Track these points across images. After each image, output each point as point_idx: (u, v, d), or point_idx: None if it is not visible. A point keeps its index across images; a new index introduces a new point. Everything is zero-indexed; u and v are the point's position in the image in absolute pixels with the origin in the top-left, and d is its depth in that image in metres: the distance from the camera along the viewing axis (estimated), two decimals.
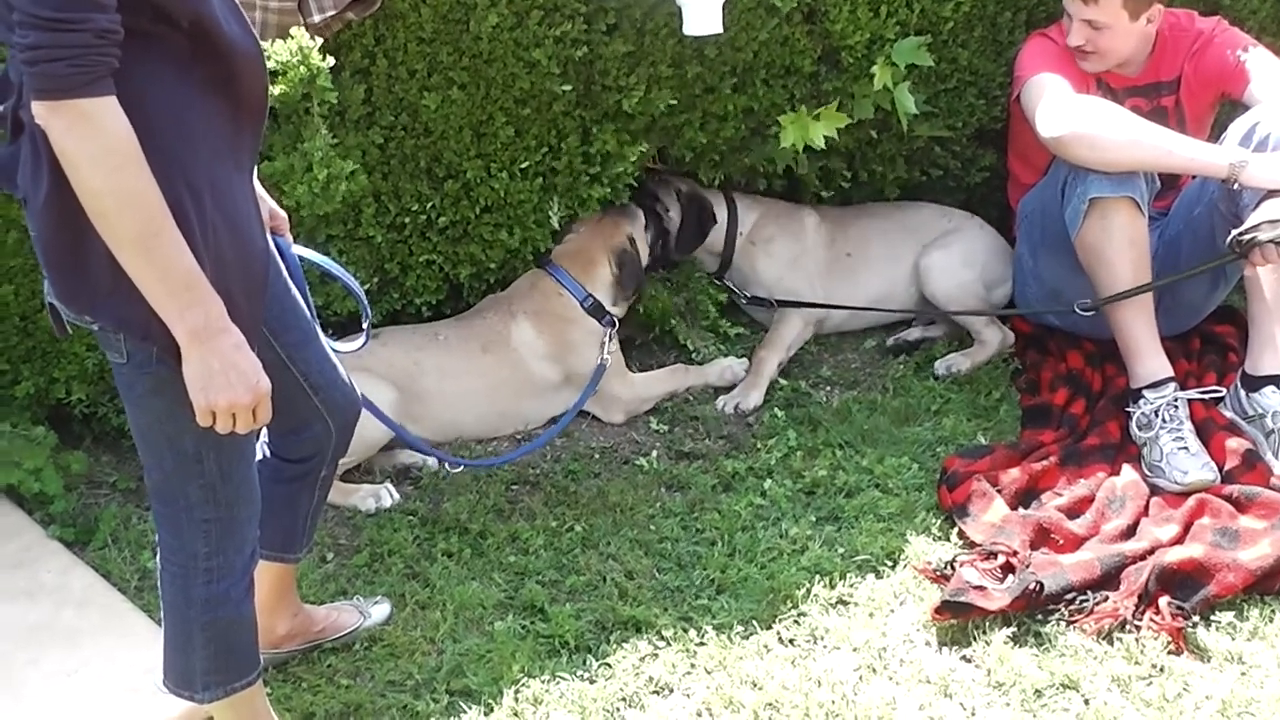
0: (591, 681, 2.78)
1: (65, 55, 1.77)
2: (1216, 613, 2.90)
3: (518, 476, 3.52)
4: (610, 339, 3.74)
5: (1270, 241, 3.23)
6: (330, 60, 3.18)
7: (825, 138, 3.82)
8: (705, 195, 4.10)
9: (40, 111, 1.82)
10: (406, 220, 3.60)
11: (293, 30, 3.14)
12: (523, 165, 3.64)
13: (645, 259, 3.94)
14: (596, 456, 3.62)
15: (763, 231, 4.15)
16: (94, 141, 1.82)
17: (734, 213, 4.15)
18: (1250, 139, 3.49)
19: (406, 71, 3.43)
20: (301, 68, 3.12)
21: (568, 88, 3.57)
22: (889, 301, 4.14)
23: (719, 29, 3.54)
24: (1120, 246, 3.49)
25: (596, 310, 3.75)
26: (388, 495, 3.41)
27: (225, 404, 1.98)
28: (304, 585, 3.07)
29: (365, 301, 2.66)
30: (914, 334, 4.11)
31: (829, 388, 3.93)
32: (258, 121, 2.12)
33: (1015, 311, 4.03)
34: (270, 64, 3.11)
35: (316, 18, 3.21)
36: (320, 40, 3.17)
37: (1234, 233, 3.30)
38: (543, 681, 2.77)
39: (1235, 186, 3.39)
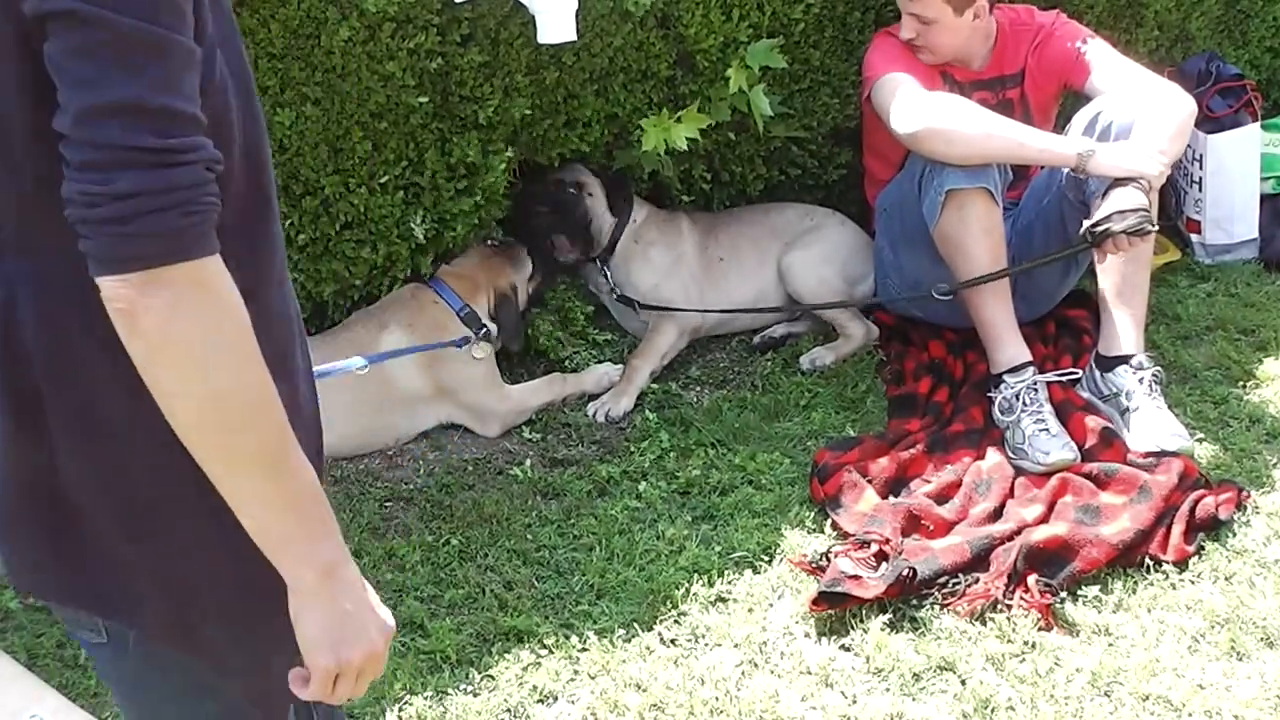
0: (475, 695, 2.76)
1: (176, 202, 1.23)
2: (1082, 587, 2.98)
3: (391, 493, 3.48)
4: (477, 343, 3.70)
5: (1122, 231, 3.34)
6: None
7: (687, 139, 3.85)
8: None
9: (123, 293, 1.23)
10: None
11: None
12: (382, 180, 3.60)
13: (523, 304, 3.93)
14: (470, 468, 3.59)
15: (647, 234, 4.16)
16: (213, 320, 1.26)
17: (631, 203, 4.17)
18: (1093, 128, 3.61)
19: (258, 88, 3.37)
20: None
21: (424, 100, 3.54)
22: (761, 304, 4.18)
23: (573, 36, 3.55)
24: (977, 236, 3.58)
25: (471, 320, 3.73)
26: None
27: (361, 658, 1.41)
28: None
29: None
30: (779, 331, 4.15)
31: (699, 388, 3.96)
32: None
33: (877, 302, 4.10)
34: None
35: None
36: None
37: (1087, 224, 3.40)
38: (425, 698, 2.75)
39: (1083, 175, 3.50)
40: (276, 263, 1.46)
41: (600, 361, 4.01)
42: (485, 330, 3.74)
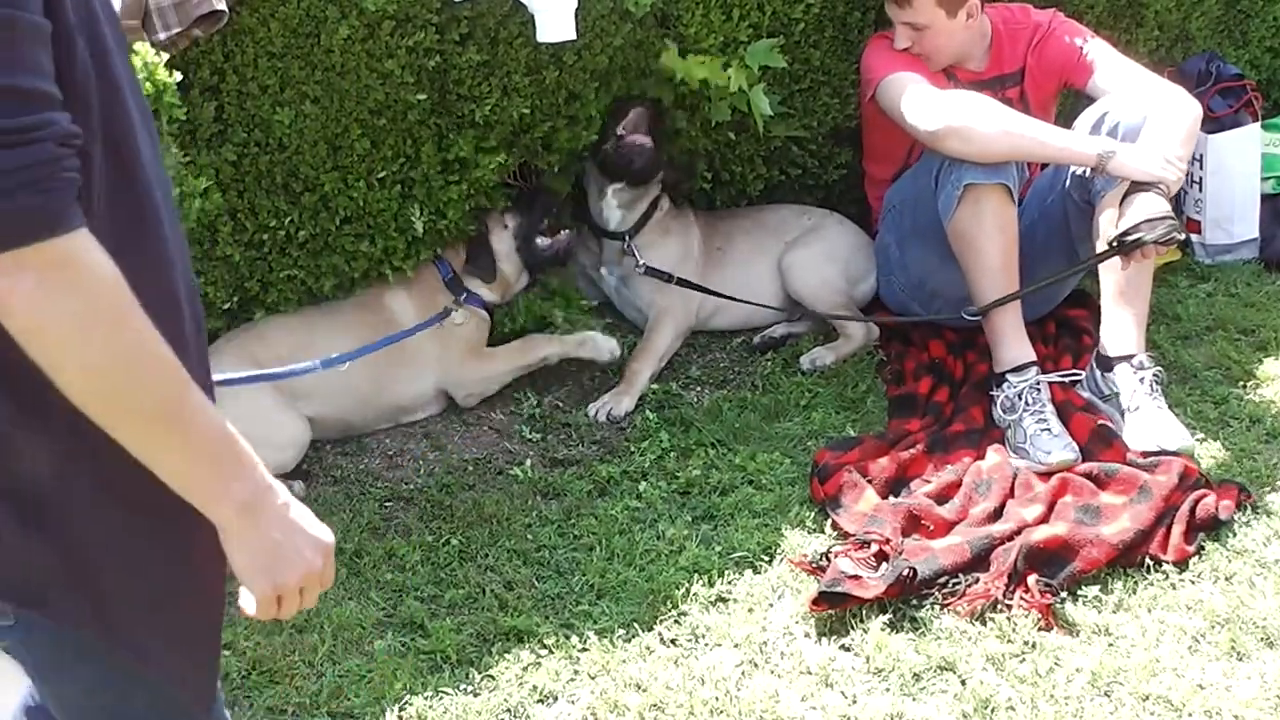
0: (475, 694, 2.76)
1: (27, 180, 1.22)
2: (1083, 587, 2.98)
3: (391, 493, 3.48)
4: (456, 306, 3.77)
5: (1153, 241, 3.33)
6: (178, 76, 3.11)
7: (685, 137, 3.85)
8: None
9: None
10: (265, 236, 3.55)
11: (136, 46, 3.07)
12: (380, 175, 3.60)
13: (508, 245, 3.92)
14: (470, 468, 3.59)
15: (666, 223, 4.16)
16: (80, 296, 1.26)
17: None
18: (1100, 128, 3.61)
19: (258, 87, 3.37)
20: (147, 83, 3.05)
21: (422, 97, 3.54)
22: (758, 294, 4.17)
23: (572, 35, 3.55)
24: (991, 233, 3.58)
25: (454, 285, 3.82)
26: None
27: (297, 580, 1.47)
28: None
29: None
30: (779, 330, 4.15)
31: (699, 388, 3.96)
32: None
33: (900, 320, 4.07)
34: None
35: (162, 35, 3.14)
36: (166, 56, 3.11)
37: (1116, 233, 3.38)
38: (425, 698, 2.74)
39: (1102, 176, 3.49)
40: (149, 257, 1.44)
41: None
42: (467, 295, 3.82)
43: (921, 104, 3.63)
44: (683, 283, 4.04)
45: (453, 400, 3.81)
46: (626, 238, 4.08)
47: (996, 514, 3.21)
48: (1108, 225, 3.48)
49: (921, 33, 3.81)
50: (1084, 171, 3.57)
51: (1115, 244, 3.40)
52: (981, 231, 3.57)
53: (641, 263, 4.03)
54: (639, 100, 3.94)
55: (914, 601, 2.95)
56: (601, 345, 3.89)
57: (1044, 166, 3.86)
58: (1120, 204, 3.43)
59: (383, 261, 3.74)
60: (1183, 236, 3.38)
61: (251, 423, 3.30)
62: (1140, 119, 3.54)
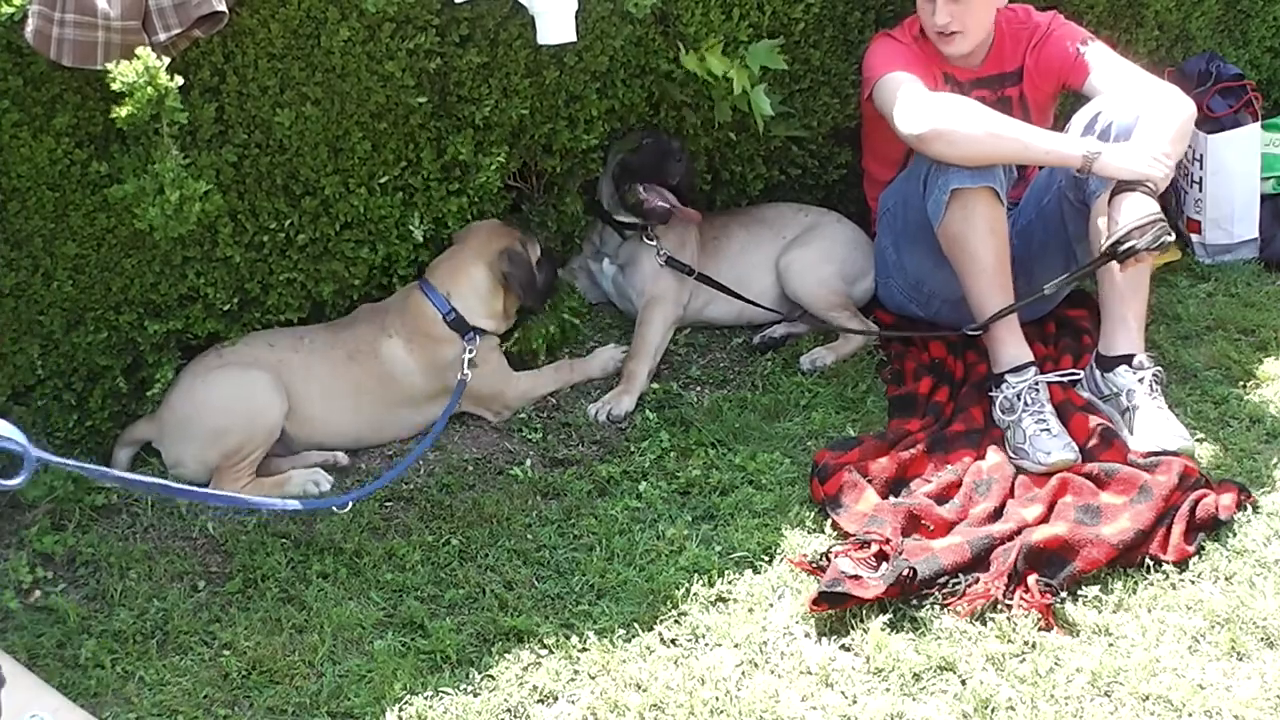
0: (475, 695, 2.76)
1: None
2: (1083, 587, 2.98)
3: (391, 493, 3.48)
4: (470, 353, 3.67)
5: (1145, 248, 3.33)
6: (179, 79, 3.11)
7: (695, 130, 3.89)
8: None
9: None
10: (265, 239, 3.55)
11: (138, 50, 3.07)
12: (381, 180, 3.61)
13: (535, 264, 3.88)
14: (470, 468, 3.59)
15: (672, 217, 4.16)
16: None
17: None
18: (1093, 128, 3.61)
19: (258, 88, 3.37)
20: (149, 88, 3.05)
21: (423, 100, 3.55)
22: (750, 286, 4.17)
23: (572, 37, 3.55)
24: (982, 235, 3.58)
25: (459, 325, 3.70)
26: (324, 478, 3.49)
27: None
28: (176, 615, 3.01)
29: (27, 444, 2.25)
30: (779, 330, 4.15)
31: (699, 388, 3.96)
32: None
33: (900, 335, 4.06)
34: (116, 85, 3.04)
35: (162, 36, 3.14)
36: (167, 60, 3.11)
37: (1110, 240, 3.38)
38: (425, 698, 2.75)
39: (1088, 176, 3.49)
40: None
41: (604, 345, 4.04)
42: (473, 334, 3.71)
43: (909, 107, 3.63)
44: (702, 278, 4.07)
45: None
46: (643, 234, 4.10)
47: (997, 514, 3.22)
48: (1103, 230, 3.48)
49: (961, 5, 3.79)
50: (1077, 171, 3.57)
51: (1108, 252, 3.40)
52: (973, 235, 3.58)
53: (663, 252, 4.06)
54: (648, 132, 4.01)
55: (914, 601, 2.95)
56: (619, 358, 3.96)
57: (1040, 167, 3.85)
58: (1109, 206, 3.43)
59: (384, 270, 3.74)
60: (1172, 238, 3.38)
61: (237, 399, 3.51)
62: (1133, 118, 3.54)
